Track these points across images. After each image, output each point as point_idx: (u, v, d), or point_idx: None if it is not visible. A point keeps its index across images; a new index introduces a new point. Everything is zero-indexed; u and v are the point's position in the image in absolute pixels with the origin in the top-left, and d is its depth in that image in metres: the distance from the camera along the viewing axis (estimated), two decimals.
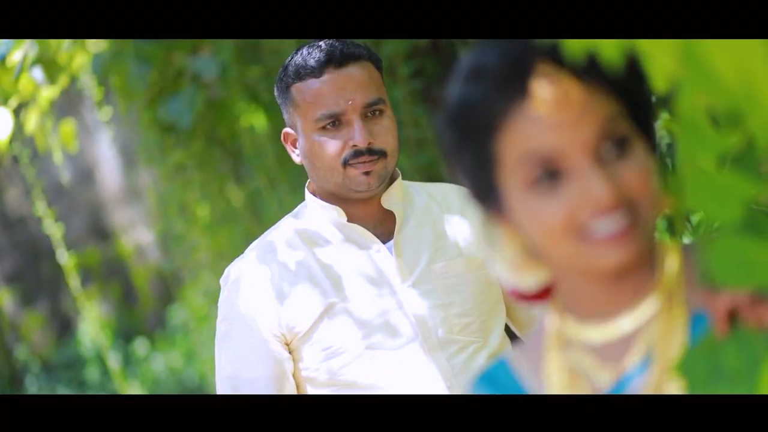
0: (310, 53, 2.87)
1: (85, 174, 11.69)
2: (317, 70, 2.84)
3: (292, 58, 2.92)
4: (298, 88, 2.87)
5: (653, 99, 1.61)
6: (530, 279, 1.69)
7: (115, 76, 5.56)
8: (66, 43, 5.41)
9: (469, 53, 1.62)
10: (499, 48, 1.55)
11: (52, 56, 5.30)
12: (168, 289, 11.71)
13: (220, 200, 6.17)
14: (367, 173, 2.84)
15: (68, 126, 6.00)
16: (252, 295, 2.83)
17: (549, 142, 1.52)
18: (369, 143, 2.82)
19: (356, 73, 2.85)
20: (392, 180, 3.02)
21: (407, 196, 3.05)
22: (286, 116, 2.95)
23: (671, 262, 1.63)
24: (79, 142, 6.72)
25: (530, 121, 1.52)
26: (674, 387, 1.56)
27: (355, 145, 2.81)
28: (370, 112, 2.84)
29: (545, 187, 1.53)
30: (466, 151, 1.61)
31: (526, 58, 1.52)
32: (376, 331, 2.77)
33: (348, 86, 2.83)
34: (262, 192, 5.87)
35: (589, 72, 1.51)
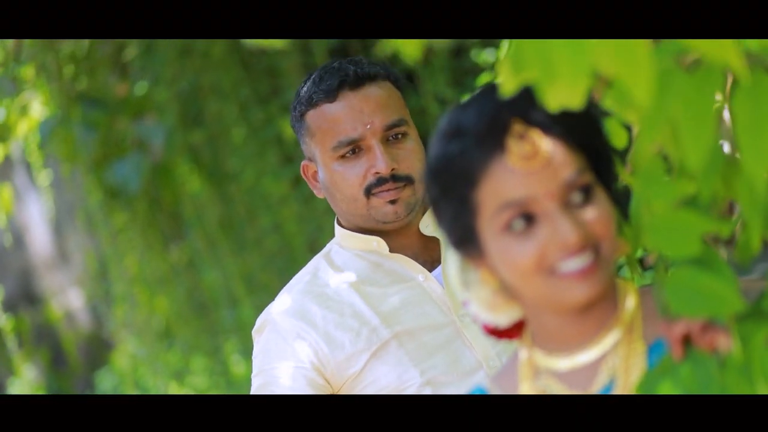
0: (323, 77, 2.64)
1: (16, 238, 11.71)
2: (331, 95, 2.61)
3: (305, 83, 2.69)
4: (312, 116, 2.64)
5: (611, 154, 1.84)
6: (504, 316, 1.90)
7: (61, 141, 5.70)
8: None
9: (448, 113, 1.84)
10: (476, 109, 1.77)
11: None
12: (97, 354, 11.71)
13: (160, 262, 6.30)
14: (393, 202, 2.61)
15: (6, 191, 6.12)
16: (293, 342, 2.58)
17: (523, 192, 1.73)
18: (393, 169, 2.60)
19: (374, 94, 2.62)
20: (427, 204, 2.62)
21: None
22: (303, 147, 2.72)
23: (630, 300, 1.84)
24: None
25: (506, 174, 1.74)
26: None
27: (377, 173, 2.59)
28: (392, 135, 2.62)
29: (519, 231, 1.75)
30: (447, 200, 1.82)
31: (501, 118, 1.74)
32: (437, 365, 2.55)
33: (365, 109, 2.61)
34: (202, 254, 6.02)
35: (557, 129, 1.73)
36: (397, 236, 2.68)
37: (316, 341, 2.57)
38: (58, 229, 11.41)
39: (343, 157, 2.60)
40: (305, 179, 2.73)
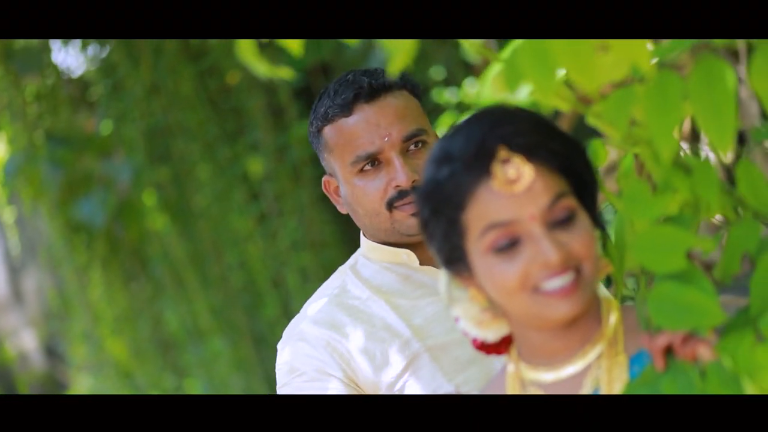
0: (337, 90, 2.58)
1: None
2: (346, 109, 2.55)
3: (320, 98, 2.64)
4: (329, 131, 2.58)
5: (595, 177, 1.94)
6: (491, 332, 1.99)
7: (26, 178, 5.74)
8: None
9: (439, 140, 1.94)
10: (464, 135, 1.87)
11: None
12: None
13: (122, 299, 6.34)
14: (416, 214, 2.44)
15: None
16: (323, 351, 2.52)
17: (507, 214, 1.83)
18: (414, 181, 2.52)
19: (390, 104, 2.56)
20: None
21: None
22: (323, 163, 2.66)
23: (612, 316, 1.94)
24: None
25: (492, 197, 1.84)
26: None
27: (398, 186, 2.53)
28: (412, 145, 2.56)
29: (505, 252, 1.85)
30: (437, 222, 1.92)
31: (487, 144, 1.84)
32: (470, 379, 2.51)
33: (382, 121, 2.55)
34: (167, 290, 6.06)
35: (540, 154, 1.84)
36: (425, 248, 2.49)
37: (348, 351, 2.52)
38: (14, 268, 11.37)
39: (362, 171, 2.54)
40: (327, 194, 2.67)
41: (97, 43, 5.80)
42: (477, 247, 1.87)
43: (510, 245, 1.84)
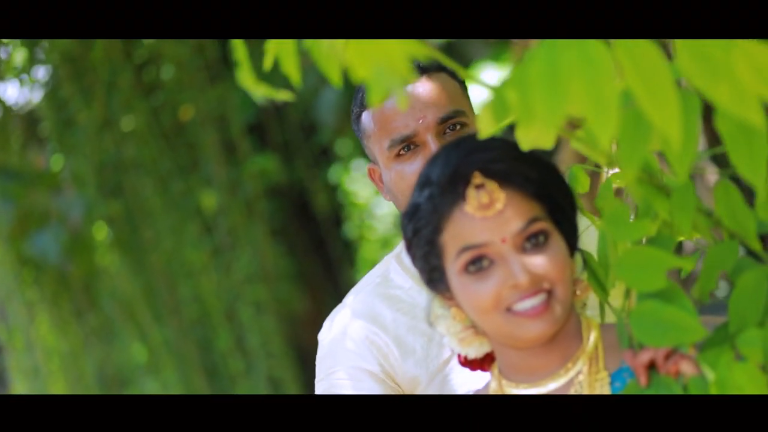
0: None
1: None
2: None
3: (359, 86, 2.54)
4: (366, 117, 2.52)
5: (572, 202, 2.01)
6: (473, 349, 2.06)
7: None
8: None
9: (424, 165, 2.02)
10: (443, 161, 1.96)
11: None
12: None
13: (73, 334, 6.31)
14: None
15: None
16: (362, 345, 2.46)
17: (480, 237, 1.91)
18: None
19: (426, 86, 2.48)
20: None
21: None
22: (366, 151, 2.59)
23: (593, 335, 2.02)
24: None
25: (466, 220, 1.92)
26: None
27: None
28: (449, 127, 2.47)
29: (478, 273, 1.93)
30: (418, 243, 2.00)
31: (462, 170, 1.93)
32: None
33: (416, 104, 2.45)
34: (118, 323, 6.05)
35: (514, 180, 1.92)
36: None
37: (387, 344, 2.44)
38: None
39: (398, 156, 2.46)
40: (373, 182, 2.60)
41: (48, 77, 5.81)
42: (453, 267, 1.94)
43: (483, 266, 1.92)
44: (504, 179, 1.91)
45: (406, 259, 2.55)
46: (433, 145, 2.43)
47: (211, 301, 5.61)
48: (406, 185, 2.45)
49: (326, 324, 2.53)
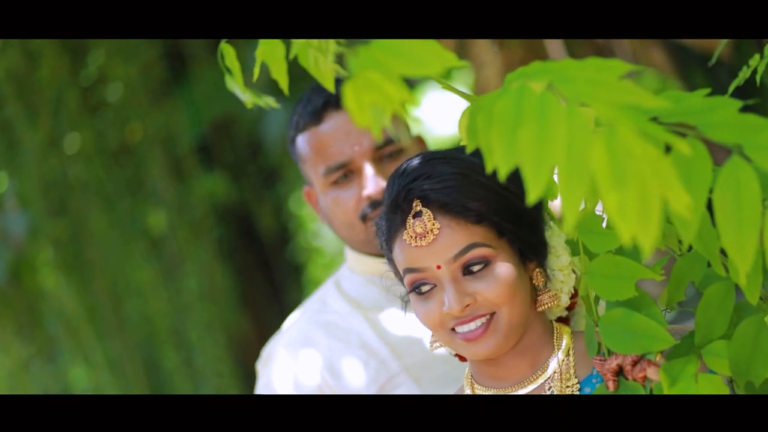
0: (309, 98, 2.47)
1: None
2: (316, 117, 2.44)
3: (296, 106, 2.53)
4: (301, 141, 2.49)
5: (526, 224, 2.04)
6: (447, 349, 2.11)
7: None
8: None
9: None
10: (392, 185, 2.03)
11: None
12: None
13: (17, 353, 6.26)
14: None
15: None
16: (298, 375, 2.44)
17: (417, 263, 1.99)
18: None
19: None
20: None
21: None
22: (302, 174, 2.57)
23: (564, 342, 2.06)
24: None
25: (405, 245, 2.00)
26: None
27: (369, 197, 2.43)
28: (386, 154, 2.46)
29: (422, 295, 2.01)
30: (386, 253, 2.07)
31: (403, 199, 2.00)
32: None
33: (352, 129, 2.43)
34: (62, 343, 6.01)
35: (452, 210, 1.98)
36: None
37: (321, 372, 2.44)
38: None
39: (335, 183, 2.45)
40: (310, 204, 2.58)
41: None
42: (405, 283, 2.03)
43: (424, 290, 2.00)
44: (441, 207, 1.98)
45: (345, 284, 2.57)
46: (369, 172, 2.42)
47: (158, 321, 5.60)
48: (342, 212, 2.45)
49: (264, 353, 2.54)
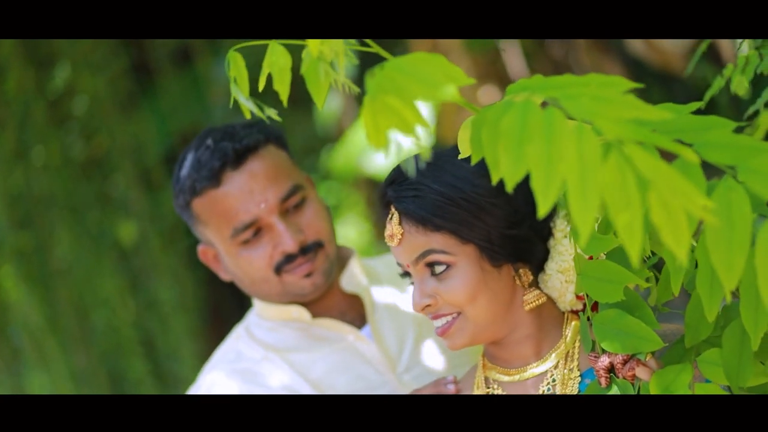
0: (200, 159, 2.42)
1: None
2: (214, 179, 2.41)
3: (181, 167, 2.47)
4: (199, 204, 2.45)
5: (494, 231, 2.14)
6: None
7: None
8: None
9: None
10: (381, 186, 2.19)
11: None
12: None
13: None
14: (308, 275, 2.45)
15: None
16: None
17: (397, 258, 2.19)
18: (300, 242, 2.43)
19: (259, 167, 2.43)
20: (344, 260, 2.57)
21: (370, 273, 2.62)
22: (196, 233, 2.54)
23: (571, 332, 2.18)
24: None
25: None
26: None
27: (284, 251, 2.43)
28: (291, 205, 2.46)
29: (412, 284, 2.20)
30: None
31: (382, 202, 2.18)
32: None
33: (255, 187, 2.42)
34: (26, 355, 6.01)
35: (411, 218, 2.13)
36: (319, 300, 2.53)
37: None
38: None
39: (245, 242, 2.44)
40: (206, 264, 2.55)
41: None
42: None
43: (412, 279, 2.18)
44: (405, 215, 2.14)
45: (255, 330, 2.58)
46: (280, 228, 2.41)
47: (125, 331, 5.62)
48: (256, 269, 2.43)
49: None
